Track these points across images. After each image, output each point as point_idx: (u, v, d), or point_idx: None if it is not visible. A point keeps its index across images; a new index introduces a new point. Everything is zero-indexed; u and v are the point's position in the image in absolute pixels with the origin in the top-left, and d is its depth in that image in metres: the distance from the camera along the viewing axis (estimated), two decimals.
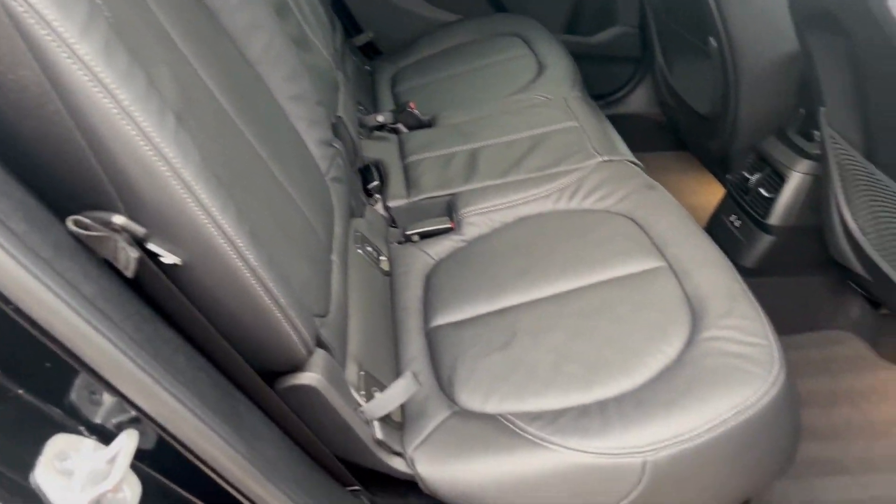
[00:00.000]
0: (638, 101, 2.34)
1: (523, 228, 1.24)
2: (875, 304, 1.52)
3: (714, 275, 1.04)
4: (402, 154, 1.53)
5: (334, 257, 1.04)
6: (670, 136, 2.35)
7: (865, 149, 1.20)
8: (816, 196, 1.47)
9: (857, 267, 1.34)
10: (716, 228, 1.70)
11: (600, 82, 2.32)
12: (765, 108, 1.59)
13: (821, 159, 1.47)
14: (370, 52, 2.24)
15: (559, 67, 1.75)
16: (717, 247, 1.12)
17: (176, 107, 0.69)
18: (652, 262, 1.09)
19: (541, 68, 1.76)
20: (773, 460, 0.90)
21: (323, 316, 0.89)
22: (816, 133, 1.56)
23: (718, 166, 1.83)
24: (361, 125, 1.62)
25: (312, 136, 1.16)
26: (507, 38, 1.96)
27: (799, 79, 1.51)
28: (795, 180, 1.48)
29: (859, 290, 1.49)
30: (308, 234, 0.97)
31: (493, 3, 2.26)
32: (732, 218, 1.65)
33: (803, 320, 1.60)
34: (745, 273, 1.64)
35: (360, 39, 2.15)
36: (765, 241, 1.55)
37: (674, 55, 1.89)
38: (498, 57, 1.87)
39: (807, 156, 1.48)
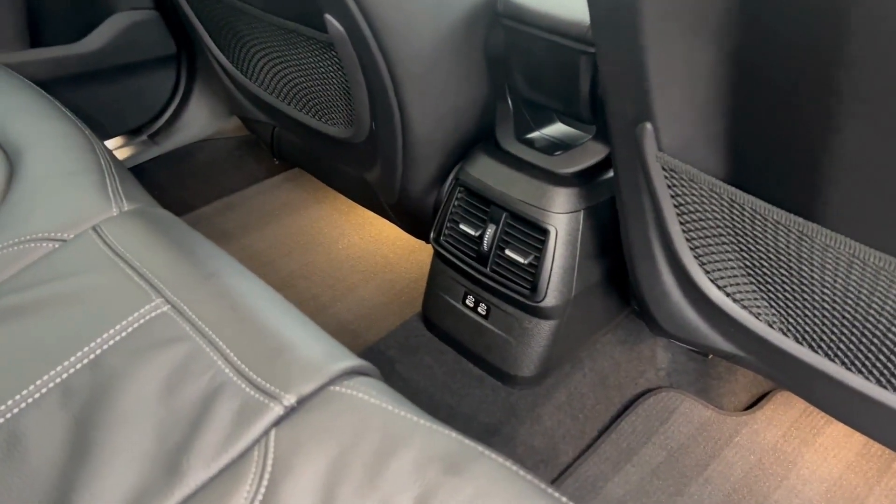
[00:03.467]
0: (199, 120, 1.49)
1: None
2: (698, 351, 1.06)
3: None
4: None
5: None
6: (269, 151, 1.57)
7: (733, 172, 0.64)
8: (588, 233, 0.90)
9: (725, 346, 0.82)
10: (450, 325, 1.03)
11: (129, 112, 1.40)
12: (451, 114, 0.94)
13: (585, 183, 0.89)
14: None
15: (51, 147, 0.81)
16: None
17: None
18: None
19: (11, 157, 0.80)
20: None
21: None
22: (538, 135, 0.97)
23: (393, 209, 1.14)
24: None
25: None
26: None
27: (495, 62, 0.88)
28: (563, 225, 0.87)
29: (675, 342, 1.01)
30: None
31: None
32: (470, 303, 0.99)
33: (613, 402, 1.07)
34: (524, 384, 1.01)
35: None
36: (544, 332, 0.94)
37: (246, 46, 1.09)
38: None
39: (561, 182, 0.88)
